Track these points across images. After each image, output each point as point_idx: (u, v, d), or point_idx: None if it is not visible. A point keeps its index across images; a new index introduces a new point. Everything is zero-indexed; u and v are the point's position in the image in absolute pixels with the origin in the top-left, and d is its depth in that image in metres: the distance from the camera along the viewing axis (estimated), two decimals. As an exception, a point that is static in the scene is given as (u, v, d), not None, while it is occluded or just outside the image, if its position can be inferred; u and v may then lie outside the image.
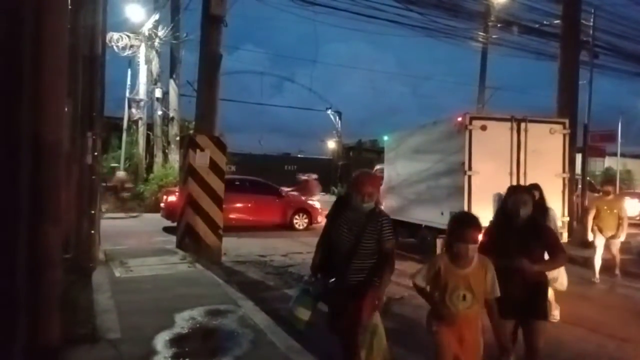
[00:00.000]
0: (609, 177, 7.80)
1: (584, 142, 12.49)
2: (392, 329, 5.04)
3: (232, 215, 13.34)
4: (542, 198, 5.28)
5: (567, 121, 8.89)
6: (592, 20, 13.65)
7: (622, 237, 7.85)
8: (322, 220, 15.38)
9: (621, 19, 17.17)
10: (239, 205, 13.56)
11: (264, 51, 72.16)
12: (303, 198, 15.96)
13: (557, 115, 11.85)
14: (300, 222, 14.56)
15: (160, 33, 20.18)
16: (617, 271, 8.10)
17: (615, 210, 7.75)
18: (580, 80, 13.40)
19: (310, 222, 14.66)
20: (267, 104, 39.78)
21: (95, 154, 6.76)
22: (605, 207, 7.80)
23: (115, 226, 11.67)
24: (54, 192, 3.24)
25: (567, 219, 8.69)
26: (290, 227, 14.27)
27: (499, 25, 19.05)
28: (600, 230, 7.79)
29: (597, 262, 7.96)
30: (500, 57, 20.88)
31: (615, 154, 32.39)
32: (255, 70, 31.48)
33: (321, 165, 35.50)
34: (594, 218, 7.88)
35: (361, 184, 3.21)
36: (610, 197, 7.90)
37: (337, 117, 34.13)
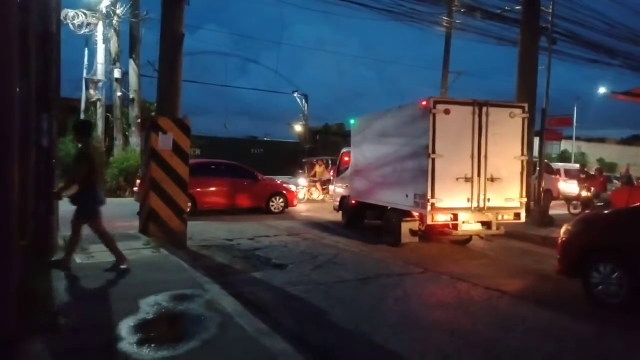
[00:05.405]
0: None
1: (542, 126, 12.86)
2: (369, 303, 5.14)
3: (208, 199, 13.33)
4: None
5: (526, 105, 9.13)
6: (551, 7, 13.96)
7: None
8: (297, 204, 15.42)
9: (579, 7, 17.72)
10: (215, 189, 13.54)
11: (228, 32, 70.44)
12: (279, 182, 15.90)
13: (517, 100, 12.18)
14: (276, 205, 14.61)
15: (119, 11, 19.43)
16: None
17: None
18: (540, 65, 13.79)
19: (286, 206, 14.76)
20: (232, 86, 39.04)
21: (52, 136, 6.49)
22: None
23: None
24: (7, 177, 3.11)
25: (525, 200, 8.99)
26: (266, 210, 14.32)
27: (462, 10, 19.29)
28: None
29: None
30: (464, 42, 21.20)
31: (571, 138, 33.73)
32: (219, 51, 30.75)
33: (288, 148, 35.29)
34: None
35: None
36: None
37: (304, 101, 33.82)
